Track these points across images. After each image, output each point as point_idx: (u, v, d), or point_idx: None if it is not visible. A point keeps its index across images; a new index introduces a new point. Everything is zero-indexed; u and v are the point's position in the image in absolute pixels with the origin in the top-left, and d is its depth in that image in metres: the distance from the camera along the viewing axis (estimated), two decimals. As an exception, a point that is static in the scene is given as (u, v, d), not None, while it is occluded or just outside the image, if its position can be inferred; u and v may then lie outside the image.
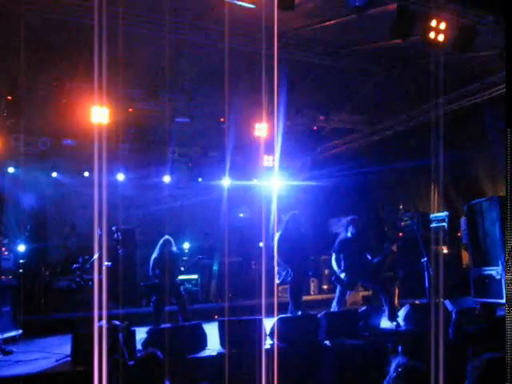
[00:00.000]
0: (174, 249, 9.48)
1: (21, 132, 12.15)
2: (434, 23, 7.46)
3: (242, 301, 11.78)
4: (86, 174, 13.26)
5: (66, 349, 6.37)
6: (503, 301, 9.49)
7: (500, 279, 9.65)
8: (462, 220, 11.00)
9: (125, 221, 14.00)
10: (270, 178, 14.03)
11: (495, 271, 9.80)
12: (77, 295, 11.06)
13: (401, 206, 12.81)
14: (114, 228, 12.82)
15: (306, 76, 11.29)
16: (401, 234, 11.29)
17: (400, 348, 6.57)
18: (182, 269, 9.35)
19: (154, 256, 9.20)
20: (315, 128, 12.97)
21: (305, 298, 9.72)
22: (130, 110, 10.72)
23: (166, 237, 9.48)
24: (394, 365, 2.60)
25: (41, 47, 9.46)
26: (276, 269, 8.46)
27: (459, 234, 11.19)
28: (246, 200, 15.09)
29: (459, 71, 10.21)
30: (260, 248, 12.27)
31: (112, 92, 10.54)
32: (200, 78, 10.95)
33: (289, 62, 10.21)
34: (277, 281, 8.72)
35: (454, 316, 6.89)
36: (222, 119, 11.64)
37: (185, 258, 12.21)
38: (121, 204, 14.09)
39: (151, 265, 9.19)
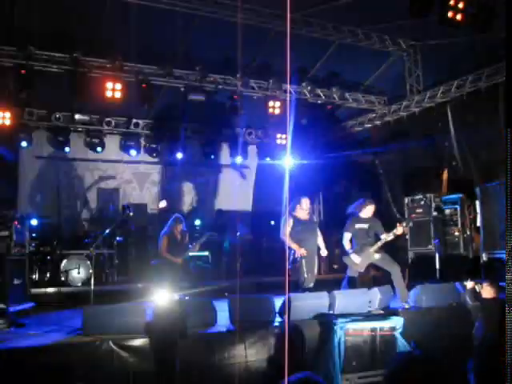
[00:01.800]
0: (184, 227, 9.51)
1: (34, 106, 12.23)
2: (452, 2, 7.36)
3: (253, 278, 11.83)
4: (99, 149, 13.34)
5: (77, 322, 6.45)
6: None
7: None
8: (475, 203, 10.95)
9: (137, 196, 14.15)
10: (282, 157, 14.03)
11: (505, 254, 9.78)
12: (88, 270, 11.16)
13: (414, 187, 12.74)
14: (125, 204, 12.91)
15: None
16: (413, 216, 11.24)
17: (412, 343, 6.61)
18: (193, 246, 9.36)
19: (163, 232, 9.22)
20: (329, 107, 12.88)
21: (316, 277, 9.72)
22: (143, 85, 10.70)
23: (177, 214, 9.51)
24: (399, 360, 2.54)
25: (56, 20, 9.48)
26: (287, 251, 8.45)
27: (471, 217, 11.15)
28: (259, 177, 15.13)
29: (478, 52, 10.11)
30: (272, 226, 12.31)
31: (126, 67, 10.57)
32: (214, 54, 10.93)
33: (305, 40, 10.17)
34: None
35: (469, 287, 6.90)
36: (235, 96, 11.61)
37: (196, 235, 12.26)
38: (134, 180, 14.26)
39: (159, 242, 9.20)
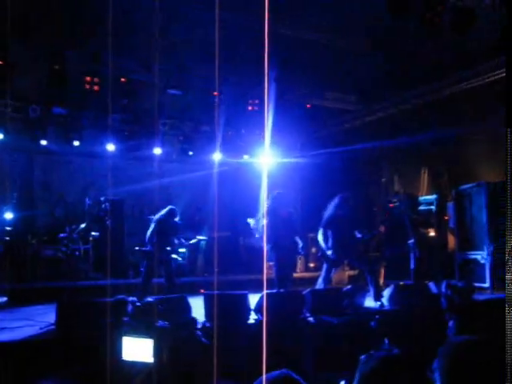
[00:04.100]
0: (176, 221, 9.54)
1: (9, 98, 12.04)
2: (431, 4, 7.39)
3: (229, 276, 11.84)
4: (76, 143, 13.18)
5: (51, 317, 6.39)
6: (486, 285, 9.63)
7: (484, 264, 9.79)
8: (450, 204, 11.09)
9: (113, 192, 14.01)
10: (261, 155, 14.02)
11: (480, 256, 9.94)
12: (63, 265, 11.06)
13: (391, 188, 12.86)
14: (102, 198, 12.79)
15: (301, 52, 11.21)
16: (388, 215, 11.35)
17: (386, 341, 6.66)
18: (183, 241, 9.40)
19: (154, 223, 9.19)
20: (308, 106, 12.92)
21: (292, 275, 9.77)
22: (123, 79, 10.62)
23: (172, 207, 9.50)
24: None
25: (33, 11, 9.33)
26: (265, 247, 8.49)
27: (446, 218, 11.28)
28: (237, 176, 15.10)
29: (457, 53, 10.20)
30: (248, 224, 12.32)
31: (104, 61, 10.46)
32: (194, 49, 10.86)
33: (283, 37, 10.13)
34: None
35: (443, 288, 6.98)
36: (215, 93, 11.58)
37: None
38: (110, 174, 14.12)
39: (150, 232, 9.16)
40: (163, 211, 9.32)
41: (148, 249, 9.17)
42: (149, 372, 5.09)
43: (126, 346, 5.30)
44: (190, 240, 11.97)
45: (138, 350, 5.24)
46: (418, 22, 7.57)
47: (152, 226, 9.23)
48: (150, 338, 5.25)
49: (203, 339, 6.09)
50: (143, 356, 5.22)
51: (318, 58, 11.35)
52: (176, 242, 9.36)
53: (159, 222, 9.19)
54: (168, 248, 9.09)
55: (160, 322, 5.77)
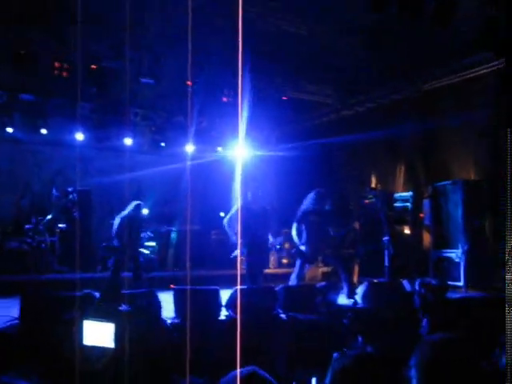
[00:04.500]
0: (143, 213, 9.54)
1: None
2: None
3: (200, 270, 11.81)
4: (44, 131, 12.99)
5: (14, 311, 6.29)
6: (460, 283, 9.76)
7: (459, 262, 9.91)
8: (426, 201, 11.19)
9: (81, 183, 13.85)
10: (235, 147, 13.98)
11: (455, 254, 10.06)
12: (28, 257, 10.92)
13: (366, 184, 12.94)
14: (70, 189, 12.64)
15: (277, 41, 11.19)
16: (364, 211, 11.43)
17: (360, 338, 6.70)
18: (150, 234, 9.41)
19: (120, 218, 9.15)
20: (284, 98, 12.91)
21: (264, 271, 9.78)
22: (93, 66, 10.49)
23: (138, 201, 9.50)
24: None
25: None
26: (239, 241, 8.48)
27: (422, 215, 11.39)
28: (210, 168, 15.04)
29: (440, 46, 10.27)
30: (221, 217, 12.28)
31: (74, 46, 10.31)
32: (168, 37, 10.77)
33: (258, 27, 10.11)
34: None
35: (417, 286, 7.04)
36: (188, 82, 11.50)
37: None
38: (78, 165, 13.95)
39: (117, 226, 9.12)
40: (130, 206, 9.30)
41: (115, 244, 9.13)
42: (111, 357, 5.02)
43: (87, 331, 5.21)
44: (160, 233, 11.92)
45: (98, 334, 5.16)
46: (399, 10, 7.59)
47: (118, 220, 9.19)
48: (112, 322, 5.17)
49: (167, 323, 6.06)
50: (104, 341, 5.14)
51: (295, 49, 11.35)
52: (143, 235, 9.36)
53: (126, 217, 9.16)
54: (136, 242, 9.08)
55: (123, 306, 5.70)
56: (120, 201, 9.72)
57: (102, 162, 14.22)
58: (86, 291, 6.59)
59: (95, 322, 5.22)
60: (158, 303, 6.58)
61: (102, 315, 5.29)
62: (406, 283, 8.05)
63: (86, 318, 5.24)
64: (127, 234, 8.99)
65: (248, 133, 13.16)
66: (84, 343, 5.18)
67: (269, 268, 12.35)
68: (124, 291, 6.79)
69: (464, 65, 10.50)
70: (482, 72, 10.30)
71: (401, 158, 12.63)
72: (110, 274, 9.17)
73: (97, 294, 6.45)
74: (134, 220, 9.17)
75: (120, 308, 5.58)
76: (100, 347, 5.14)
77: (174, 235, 13.06)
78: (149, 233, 9.47)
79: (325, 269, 11.77)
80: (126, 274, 9.14)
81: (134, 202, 9.37)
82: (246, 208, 8.48)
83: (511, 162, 2.78)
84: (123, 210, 9.42)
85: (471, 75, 10.41)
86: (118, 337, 5.07)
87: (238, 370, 2.26)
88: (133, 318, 5.46)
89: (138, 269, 9.12)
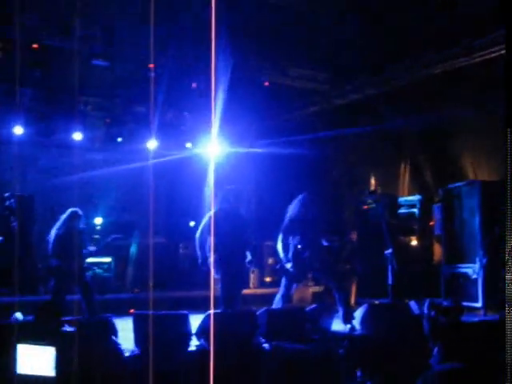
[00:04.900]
0: (82, 225, 9.37)
1: None
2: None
3: (166, 292, 11.77)
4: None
5: None
6: (478, 304, 9.77)
7: (476, 279, 9.89)
8: (436, 207, 11.23)
9: (21, 187, 13.74)
10: (207, 143, 13.96)
11: (471, 269, 10.05)
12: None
13: (366, 187, 12.98)
14: (6, 194, 12.54)
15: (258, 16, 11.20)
16: (362, 219, 11.47)
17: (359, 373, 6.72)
18: (92, 248, 9.24)
19: (55, 232, 9.05)
20: (266, 84, 12.92)
21: (243, 292, 9.78)
22: (35, 45, 10.41)
23: (74, 209, 9.32)
24: None
25: None
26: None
27: (432, 223, 11.43)
28: (177, 169, 15.01)
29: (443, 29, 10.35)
30: (191, 228, 12.27)
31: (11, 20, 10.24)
32: (125, 10, 10.73)
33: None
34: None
35: (426, 308, 7.07)
36: (150, 65, 11.46)
37: (96, 237, 12.08)
38: (17, 165, 13.83)
39: (52, 242, 9.04)
40: (64, 215, 9.16)
41: (53, 264, 9.01)
42: None
43: (22, 356, 5.15)
44: (115, 247, 11.83)
45: (36, 360, 5.09)
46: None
47: (53, 234, 9.06)
48: (52, 345, 5.11)
49: (120, 347, 6.01)
50: (43, 369, 5.07)
51: (280, 26, 11.35)
52: (91, 249, 9.24)
53: (61, 229, 9.02)
54: (77, 260, 8.93)
55: (66, 326, 5.64)
56: (68, 208, 9.62)
57: (47, 161, 14.14)
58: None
59: (32, 346, 5.15)
60: (113, 332, 6.54)
61: (39, 337, 5.22)
62: (412, 305, 8.08)
63: (21, 342, 5.16)
64: (66, 252, 8.86)
65: (222, 126, 13.14)
66: (18, 372, 5.11)
67: (248, 288, 12.35)
68: (66, 318, 6.74)
69: (480, 44, 10.56)
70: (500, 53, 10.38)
71: (405, 154, 12.71)
72: (50, 299, 9.03)
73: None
74: (70, 233, 8.99)
75: (63, 328, 5.52)
76: (38, 376, 5.08)
77: (133, 249, 13.01)
78: (91, 247, 9.30)
79: (316, 288, 11.80)
80: (76, 297, 9.05)
81: (69, 210, 9.22)
82: (220, 216, 8.46)
83: (511, 161, 2.84)
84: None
85: (490, 56, 10.45)
86: (60, 363, 5.01)
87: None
88: (79, 340, 5.39)
89: (87, 291, 9.00)
